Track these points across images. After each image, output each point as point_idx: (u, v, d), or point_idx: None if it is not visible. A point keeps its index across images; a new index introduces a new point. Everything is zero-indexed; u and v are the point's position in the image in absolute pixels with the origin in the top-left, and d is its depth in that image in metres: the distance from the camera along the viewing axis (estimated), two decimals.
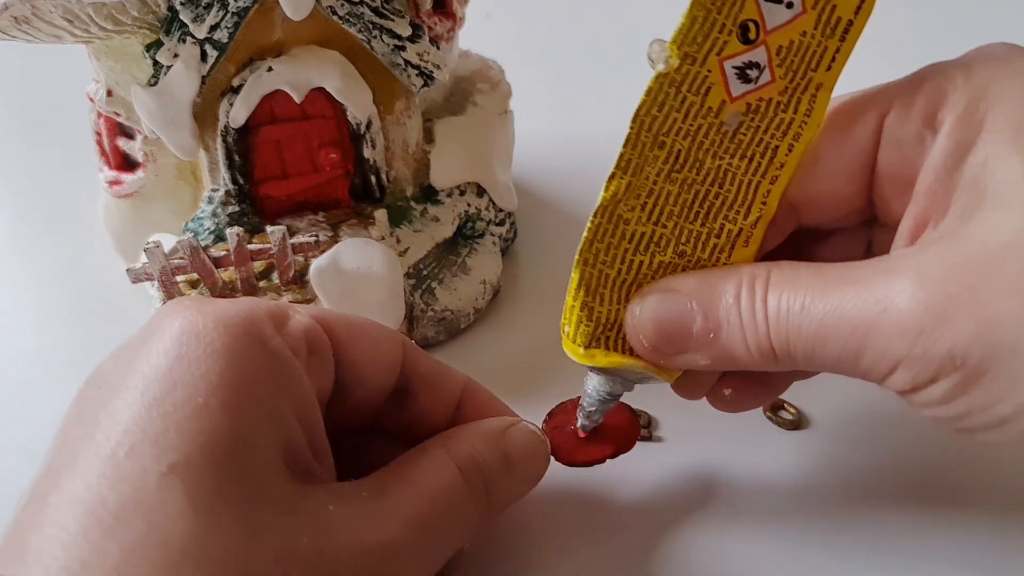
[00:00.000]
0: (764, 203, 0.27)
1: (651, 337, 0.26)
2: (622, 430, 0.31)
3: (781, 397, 0.35)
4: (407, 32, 0.34)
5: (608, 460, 0.30)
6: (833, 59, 0.25)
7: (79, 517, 0.20)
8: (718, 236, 0.27)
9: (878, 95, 0.27)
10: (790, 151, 0.26)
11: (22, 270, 0.44)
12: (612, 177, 0.26)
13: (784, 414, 0.34)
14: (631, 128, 0.25)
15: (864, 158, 0.27)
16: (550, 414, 0.31)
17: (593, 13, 0.66)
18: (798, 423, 0.34)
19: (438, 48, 0.36)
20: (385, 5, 0.34)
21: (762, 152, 0.26)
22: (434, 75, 0.36)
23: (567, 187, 0.48)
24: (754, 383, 0.29)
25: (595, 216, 0.26)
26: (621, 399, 0.31)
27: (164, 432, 0.21)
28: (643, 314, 0.26)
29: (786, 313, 0.24)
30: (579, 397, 0.31)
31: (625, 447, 0.31)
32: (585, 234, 0.27)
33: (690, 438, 0.34)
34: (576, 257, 0.27)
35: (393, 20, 0.34)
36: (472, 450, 0.27)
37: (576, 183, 0.48)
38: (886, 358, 0.23)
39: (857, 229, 0.29)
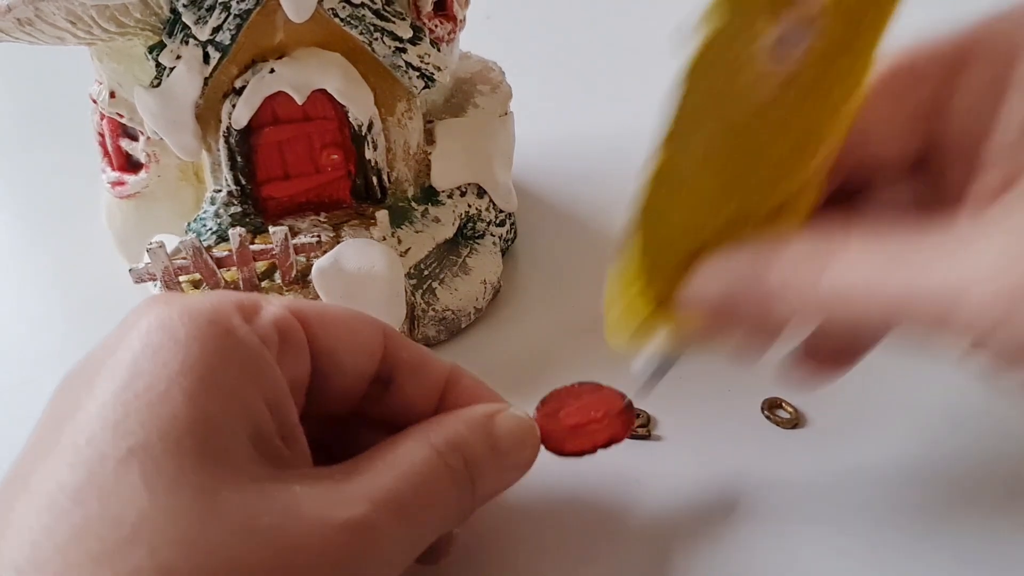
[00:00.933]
0: (821, 153, 0.26)
1: (708, 309, 0.26)
2: (614, 420, 0.30)
3: (779, 396, 0.35)
4: (408, 34, 0.35)
5: (600, 451, 0.30)
6: None
7: (35, 503, 0.20)
8: (774, 191, 0.26)
9: (941, 48, 0.25)
10: (848, 98, 0.25)
11: (25, 270, 0.44)
12: (661, 145, 0.25)
13: (782, 413, 0.34)
14: (680, 90, 0.24)
15: (926, 117, 0.26)
16: (543, 401, 0.30)
17: (593, 15, 0.66)
18: (796, 422, 0.34)
19: (439, 50, 0.36)
20: (386, 7, 0.34)
21: (819, 103, 0.25)
22: (435, 77, 0.36)
23: (567, 187, 0.48)
24: (833, 353, 0.29)
25: (646, 186, 0.25)
26: (616, 389, 0.31)
27: (124, 419, 0.21)
28: (699, 286, 0.26)
29: (862, 285, 0.23)
30: (573, 385, 0.31)
31: (617, 438, 0.30)
32: (637, 207, 0.26)
33: (688, 436, 0.34)
34: (626, 235, 0.26)
35: (394, 22, 0.34)
36: (453, 432, 0.26)
37: (576, 183, 0.48)
38: (968, 334, 0.22)
39: (911, 173, 0.28)
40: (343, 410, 0.28)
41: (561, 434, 0.30)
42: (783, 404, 0.35)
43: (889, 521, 0.31)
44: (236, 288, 0.35)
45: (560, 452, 0.30)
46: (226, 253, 0.34)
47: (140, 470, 0.20)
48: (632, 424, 0.31)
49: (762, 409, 0.35)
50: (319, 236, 0.35)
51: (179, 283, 0.35)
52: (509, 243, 0.43)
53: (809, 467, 0.33)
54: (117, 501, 0.20)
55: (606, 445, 0.30)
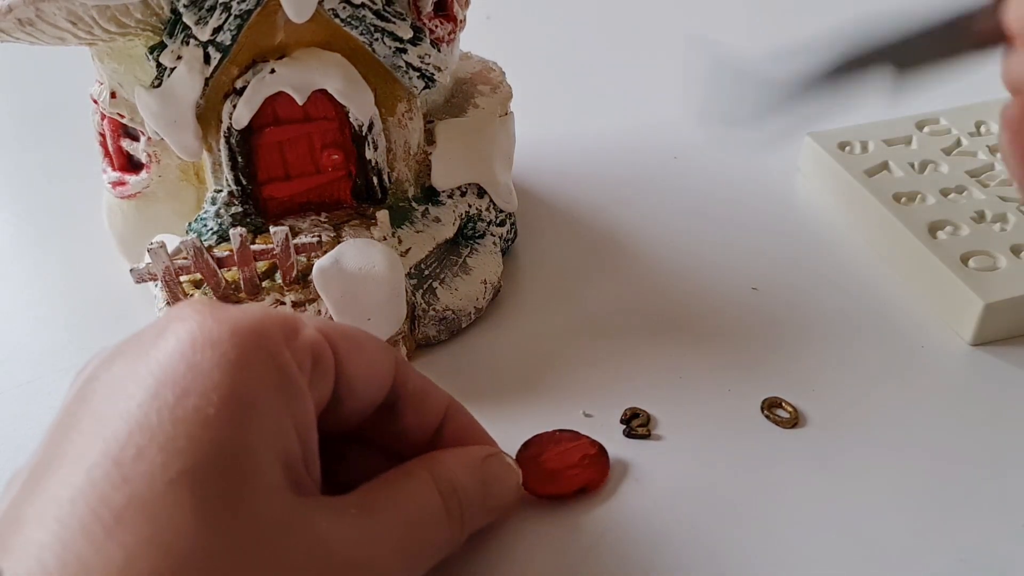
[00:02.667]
0: None
1: None
2: (588, 468, 0.31)
3: (778, 395, 0.35)
4: (408, 35, 0.35)
5: (574, 496, 0.31)
6: None
7: (80, 513, 0.20)
8: None
9: None
10: None
11: (26, 270, 0.44)
12: None
13: (781, 412, 0.35)
14: None
15: None
16: (525, 445, 0.32)
17: (592, 15, 0.66)
18: (795, 421, 0.34)
19: (439, 50, 0.36)
20: (387, 8, 0.34)
21: None
22: (435, 77, 0.36)
23: (567, 187, 0.48)
24: None
25: None
26: (592, 438, 0.32)
27: (174, 439, 0.21)
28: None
29: None
30: (554, 431, 0.32)
31: (594, 484, 0.31)
32: None
33: (687, 436, 0.34)
34: None
35: (395, 23, 0.34)
36: (454, 477, 0.27)
37: (576, 183, 0.48)
38: None
39: None
40: (345, 431, 0.28)
41: (540, 477, 0.31)
42: (783, 404, 0.35)
43: (888, 520, 0.31)
44: (236, 288, 0.35)
45: (539, 495, 0.31)
46: (227, 253, 0.34)
47: (190, 496, 0.20)
48: (607, 473, 0.32)
49: (762, 409, 0.35)
50: (320, 236, 0.35)
51: (180, 283, 0.35)
52: (509, 243, 0.43)
53: (807, 466, 0.33)
54: (168, 526, 0.20)
55: (582, 490, 0.31)
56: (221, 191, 0.36)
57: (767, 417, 0.34)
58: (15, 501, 0.21)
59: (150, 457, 0.21)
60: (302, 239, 0.35)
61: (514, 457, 0.31)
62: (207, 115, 0.35)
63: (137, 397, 0.22)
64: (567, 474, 0.31)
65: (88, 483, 0.20)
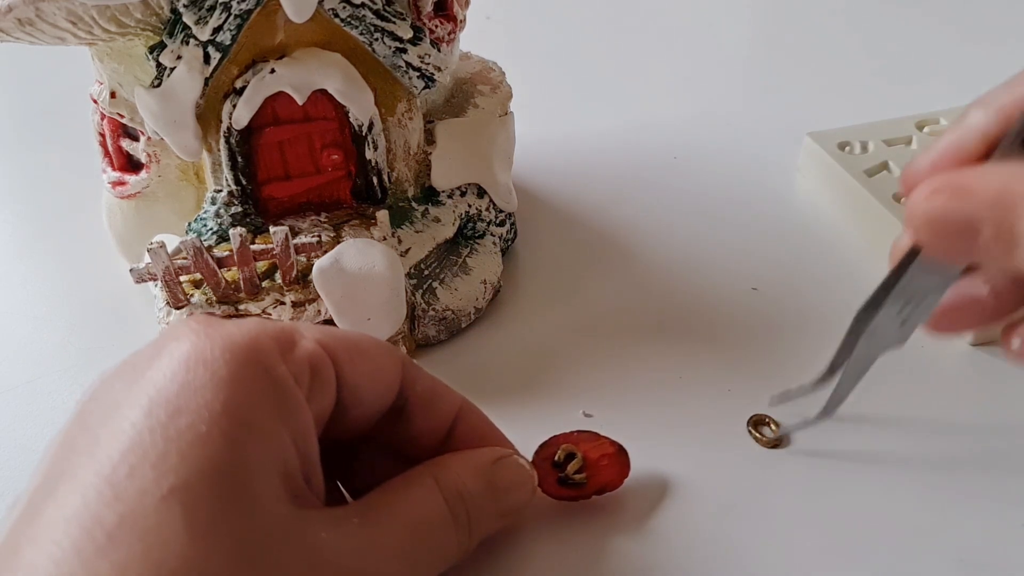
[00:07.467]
0: None
1: (928, 234, 0.24)
2: (612, 467, 0.31)
3: (765, 413, 0.34)
4: (408, 35, 0.35)
5: (594, 496, 0.31)
6: None
7: (73, 533, 0.20)
8: None
9: None
10: None
11: (25, 270, 0.44)
12: None
13: (766, 431, 0.34)
14: None
15: None
16: (542, 445, 0.31)
17: (592, 15, 0.66)
18: (779, 441, 0.34)
19: (439, 50, 0.36)
20: (387, 8, 0.34)
21: None
22: (435, 77, 0.36)
23: (567, 187, 0.48)
24: None
25: None
26: (611, 438, 0.31)
27: (166, 456, 0.21)
28: (926, 208, 0.24)
29: None
30: (571, 432, 0.32)
31: (613, 484, 0.31)
32: None
33: (687, 436, 0.34)
34: None
35: (395, 23, 0.34)
36: (460, 483, 0.27)
37: (576, 183, 0.48)
38: None
39: None
40: (354, 436, 0.28)
41: (557, 478, 0.30)
42: (768, 422, 0.34)
43: (887, 519, 0.31)
44: (236, 288, 0.35)
45: (555, 496, 0.31)
46: (227, 253, 0.34)
47: (182, 512, 0.21)
48: (626, 471, 0.31)
49: (748, 425, 0.34)
50: (319, 236, 0.35)
51: (180, 283, 0.35)
52: (509, 243, 0.43)
53: (808, 465, 0.33)
54: (159, 542, 0.20)
55: (600, 492, 0.31)
56: (221, 191, 0.36)
57: (752, 435, 0.34)
58: (15, 525, 0.22)
59: (142, 475, 0.21)
60: (302, 239, 0.35)
61: (530, 460, 0.30)
62: (207, 115, 0.35)
63: (131, 417, 0.22)
64: (585, 474, 0.31)
65: (82, 503, 0.21)
